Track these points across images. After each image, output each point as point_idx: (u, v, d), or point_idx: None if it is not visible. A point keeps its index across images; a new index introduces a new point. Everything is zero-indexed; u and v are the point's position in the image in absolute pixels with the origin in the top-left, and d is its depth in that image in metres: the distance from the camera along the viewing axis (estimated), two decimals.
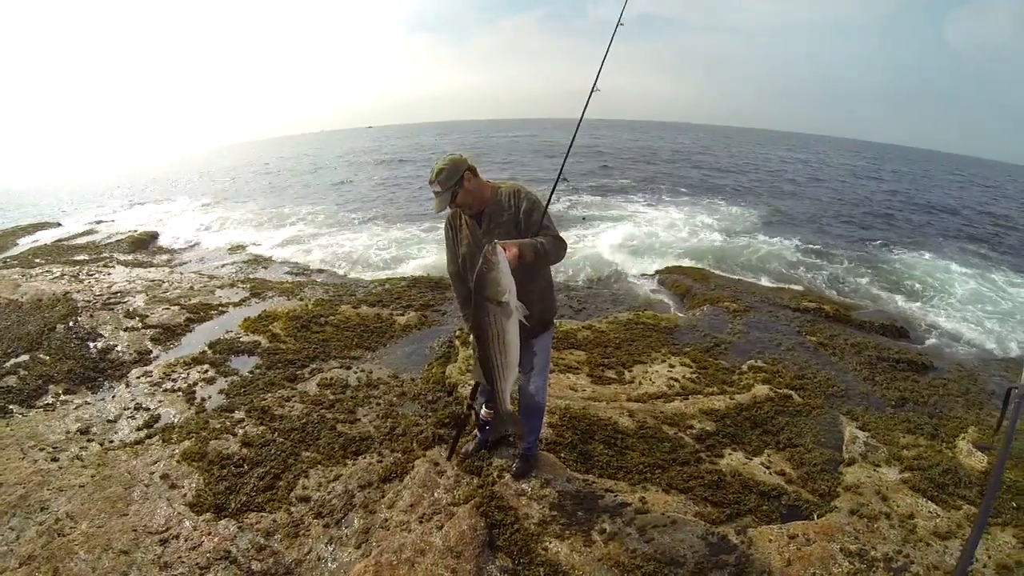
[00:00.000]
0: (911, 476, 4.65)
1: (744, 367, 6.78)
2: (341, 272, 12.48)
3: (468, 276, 3.50)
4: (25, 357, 6.54)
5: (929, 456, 4.96)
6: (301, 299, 8.86)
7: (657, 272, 11.54)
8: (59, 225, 19.43)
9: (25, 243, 15.94)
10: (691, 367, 6.63)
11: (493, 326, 3.12)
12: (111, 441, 4.93)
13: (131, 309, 8.20)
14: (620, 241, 14.31)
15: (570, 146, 4.35)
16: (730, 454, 4.90)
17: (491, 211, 3.54)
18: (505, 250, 3.04)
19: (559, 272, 10.66)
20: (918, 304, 10.72)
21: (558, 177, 3.87)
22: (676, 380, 6.25)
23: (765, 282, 11.53)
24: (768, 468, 4.74)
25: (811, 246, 15.11)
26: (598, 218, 17.01)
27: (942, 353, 8.21)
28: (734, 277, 11.74)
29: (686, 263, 12.51)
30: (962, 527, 4.00)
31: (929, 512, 4.17)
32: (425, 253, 13.82)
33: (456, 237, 3.72)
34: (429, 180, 3.45)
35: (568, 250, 3.64)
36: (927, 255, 14.95)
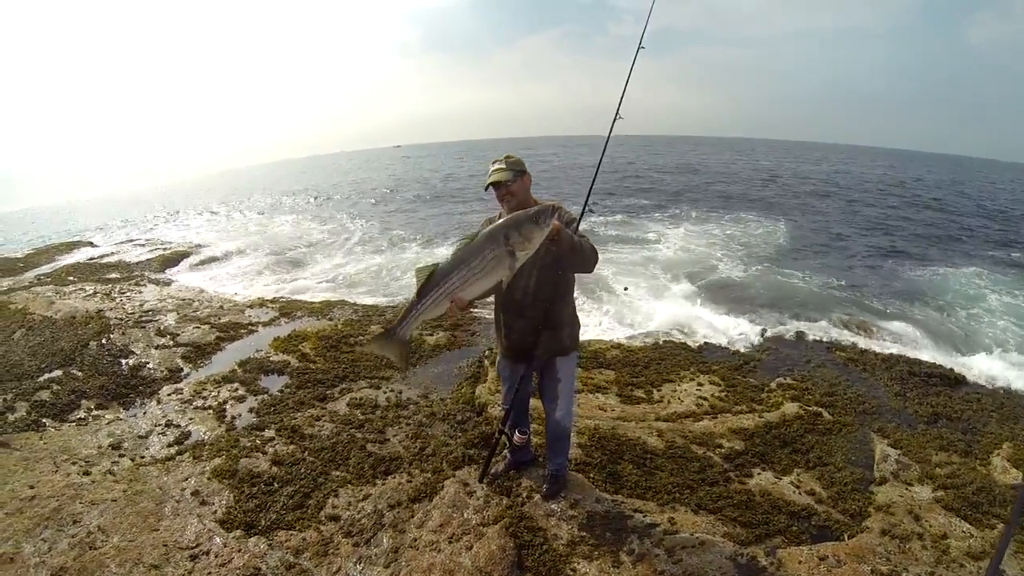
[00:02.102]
0: (944, 495, 4.58)
1: (773, 385, 6.72)
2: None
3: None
4: (59, 372, 6.70)
5: (963, 474, 4.89)
6: (330, 319, 8.91)
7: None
8: (92, 244, 19.76)
9: (59, 261, 16.21)
10: (719, 385, 6.60)
11: (485, 262, 3.10)
12: (142, 457, 5.02)
13: (162, 327, 8.33)
14: (642, 267, 14.16)
15: (595, 176, 4.37)
16: (759, 473, 4.85)
17: None
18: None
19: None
20: (950, 317, 10.54)
21: (585, 203, 3.88)
22: (705, 399, 6.22)
23: (792, 303, 11.30)
24: (798, 488, 4.69)
25: (839, 262, 14.95)
26: (621, 239, 17.06)
27: (975, 367, 8.04)
28: (757, 294, 11.61)
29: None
30: (996, 547, 3.94)
31: (963, 532, 4.12)
32: None
33: None
34: (494, 160, 3.54)
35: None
36: (956, 266, 14.69)
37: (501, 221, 3.18)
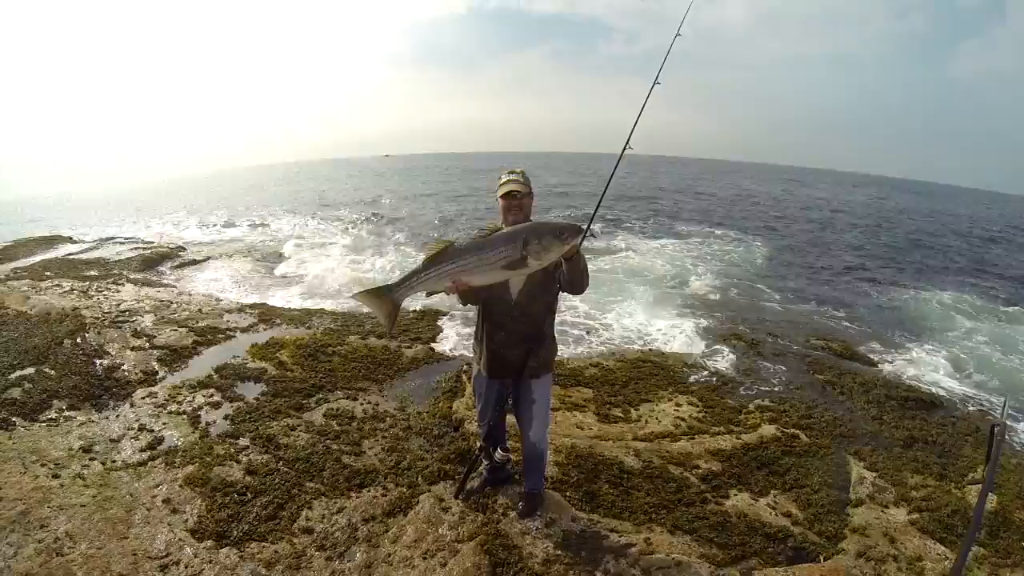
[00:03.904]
0: (919, 517, 4.65)
1: (751, 406, 6.77)
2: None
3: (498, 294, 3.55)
4: (31, 370, 6.50)
5: (938, 497, 4.96)
6: (309, 328, 8.83)
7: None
8: (71, 240, 19.48)
9: (37, 256, 15.98)
10: (698, 406, 6.62)
11: (498, 257, 3.12)
12: (113, 461, 4.89)
13: (139, 328, 8.19)
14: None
15: (599, 201, 4.47)
16: (736, 495, 4.88)
17: None
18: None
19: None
20: (926, 342, 10.64)
21: (588, 227, 3.92)
22: (683, 419, 6.23)
23: (770, 325, 11.38)
24: (774, 509, 4.72)
25: (818, 285, 15.15)
26: (597, 250, 17.11)
27: (950, 391, 8.19)
28: (738, 315, 11.67)
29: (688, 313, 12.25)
30: (971, 570, 4.00)
31: (937, 554, 4.17)
32: None
33: None
34: (508, 171, 3.65)
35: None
36: (931, 290, 14.99)
37: (526, 224, 3.24)
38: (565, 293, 3.73)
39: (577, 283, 3.50)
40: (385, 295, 3.44)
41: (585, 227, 3.58)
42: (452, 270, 3.19)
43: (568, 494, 4.60)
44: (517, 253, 3.05)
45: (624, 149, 4.46)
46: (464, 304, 3.74)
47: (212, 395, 6.21)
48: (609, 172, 4.45)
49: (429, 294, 3.45)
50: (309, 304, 11.57)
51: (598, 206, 4.52)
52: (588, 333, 9.90)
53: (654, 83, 4.63)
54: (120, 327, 8.22)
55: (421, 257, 3.34)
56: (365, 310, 10.29)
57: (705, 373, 7.91)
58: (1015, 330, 11.73)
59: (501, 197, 3.58)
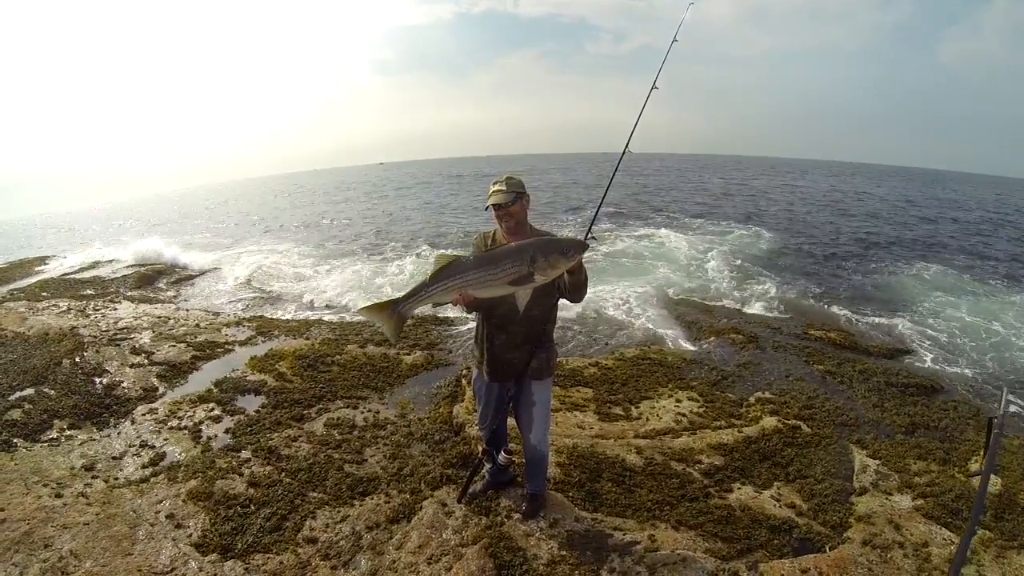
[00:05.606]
0: (924, 503, 4.64)
1: (751, 399, 6.77)
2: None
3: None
4: (31, 391, 6.52)
5: (941, 482, 4.95)
6: (307, 338, 8.82)
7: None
8: (66, 259, 19.42)
9: (32, 276, 15.95)
10: (698, 401, 6.62)
11: (504, 273, 3.15)
12: (116, 478, 4.90)
13: (137, 345, 8.19)
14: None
15: (598, 209, 4.53)
16: (739, 488, 4.87)
17: None
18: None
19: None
20: (924, 327, 10.61)
21: (588, 232, 3.94)
22: (683, 415, 6.23)
23: (768, 312, 11.41)
24: (778, 501, 4.71)
25: (814, 272, 15.22)
26: (597, 246, 17.14)
27: (950, 375, 8.19)
28: (736, 307, 11.68)
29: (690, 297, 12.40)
30: (977, 553, 4.00)
31: (943, 539, 4.16)
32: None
33: None
34: (495, 180, 3.61)
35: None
36: (927, 275, 15.06)
37: (532, 240, 3.25)
38: (564, 300, 3.74)
39: (577, 293, 3.51)
40: (391, 309, 3.47)
41: (588, 238, 3.60)
42: (458, 284, 3.23)
43: (571, 494, 4.60)
44: (524, 269, 3.09)
45: (624, 152, 4.49)
46: (469, 313, 3.79)
47: (212, 409, 6.22)
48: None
49: (435, 305, 3.49)
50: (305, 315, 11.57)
51: (598, 210, 4.57)
52: (586, 333, 9.87)
53: (652, 88, 4.66)
54: (118, 345, 8.21)
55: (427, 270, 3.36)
56: (362, 319, 10.28)
57: (705, 368, 7.91)
58: (1012, 310, 11.74)
59: (491, 207, 3.60)
